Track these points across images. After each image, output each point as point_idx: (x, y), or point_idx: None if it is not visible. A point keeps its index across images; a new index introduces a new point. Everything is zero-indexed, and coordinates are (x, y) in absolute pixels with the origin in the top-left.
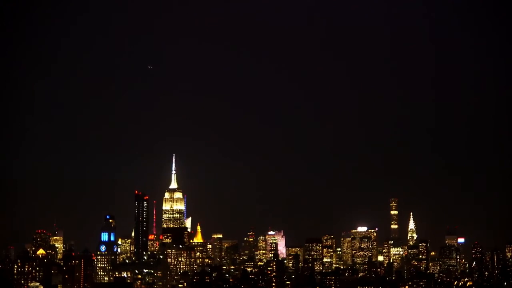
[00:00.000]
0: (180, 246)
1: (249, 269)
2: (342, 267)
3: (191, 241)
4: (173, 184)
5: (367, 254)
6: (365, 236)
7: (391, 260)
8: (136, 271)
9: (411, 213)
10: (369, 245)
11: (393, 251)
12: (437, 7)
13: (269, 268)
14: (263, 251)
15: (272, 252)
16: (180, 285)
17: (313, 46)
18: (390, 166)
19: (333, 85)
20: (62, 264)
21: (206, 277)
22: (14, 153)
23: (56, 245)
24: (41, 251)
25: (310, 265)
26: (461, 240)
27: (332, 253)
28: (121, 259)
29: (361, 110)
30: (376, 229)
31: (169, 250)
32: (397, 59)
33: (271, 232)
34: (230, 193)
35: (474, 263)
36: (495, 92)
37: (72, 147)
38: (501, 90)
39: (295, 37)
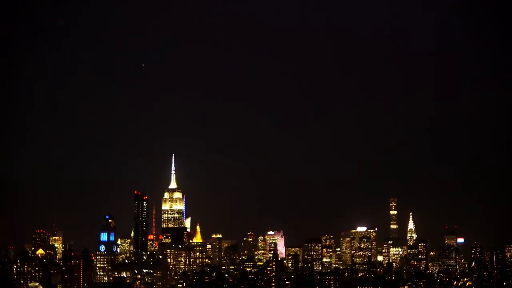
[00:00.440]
0: (180, 246)
1: (249, 269)
2: (341, 267)
3: (191, 241)
4: (173, 184)
5: (367, 254)
6: (364, 236)
7: (391, 260)
8: (136, 271)
9: (411, 213)
10: (369, 245)
11: (393, 251)
12: (437, 7)
13: (268, 268)
14: (263, 251)
15: (272, 252)
16: (180, 285)
17: (313, 46)
18: (390, 166)
19: (333, 85)
20: (61, 264)
21: (206, 277)
22: (14, 153)
23: (56, 245)
24: (40, 251)
25: (309, 265)
26: (460, 240)
27: (331, 253)
28: (121, 259)
29: (361, 110)
30: (376, 229)
31: (168, 250)
32: (397, 59)
33: (270, 232)
34: (230, 193)
35: (473, 263)
36: (495, 92)
37: (72, 147)
38: (501, 90)
39: (295, 37)
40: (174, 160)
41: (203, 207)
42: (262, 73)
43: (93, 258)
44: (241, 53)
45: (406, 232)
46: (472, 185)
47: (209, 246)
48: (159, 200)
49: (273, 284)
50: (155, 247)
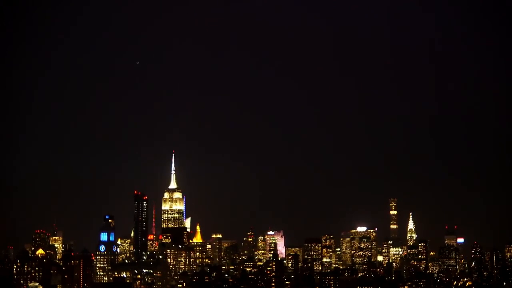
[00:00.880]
0: (180, 246)
1: (249, 269)
2: (341, 267)
3: (191, 241)
4: (173, 184)
5: (367, 254)
6: (364, 236)
7: (391, 260)
8: (136, 271)
9: (411, 213)
10: (369, 245)
11: (393, 251)
12: (437, 7)
13: (268, 268)
14: (263, 251)
15: (272, 252)
16: (180, 285)
17: (313, 46)
18: (390, 166)
19: (333, 85)
20: (61, 264)
21: (206, 277)
22: (14, 153)
23: (56, 245)
24: (40, 251)
25: (309, 265)
26: (460, 240)
27: (331, 253)
28: (121, 259)
29: (361, 110)
30: (376, 229)
31: (168, 250)
32: (397, 59)
33: (270, 232)
34: (230, 193)
35: (473, 263)
36: (495, 92)
37: (72, 147)
38: (501, 90)
39: (295, 37)
40: (174, 160)
41: (203, 207)
42: (262, 73)
43: (93, 258)
44: (241, 53)
45: (406, 232)
46: (472, 185)
47: (209, 246)
48: (159, 200)
49: (273, 284)
50: (155, 247)
